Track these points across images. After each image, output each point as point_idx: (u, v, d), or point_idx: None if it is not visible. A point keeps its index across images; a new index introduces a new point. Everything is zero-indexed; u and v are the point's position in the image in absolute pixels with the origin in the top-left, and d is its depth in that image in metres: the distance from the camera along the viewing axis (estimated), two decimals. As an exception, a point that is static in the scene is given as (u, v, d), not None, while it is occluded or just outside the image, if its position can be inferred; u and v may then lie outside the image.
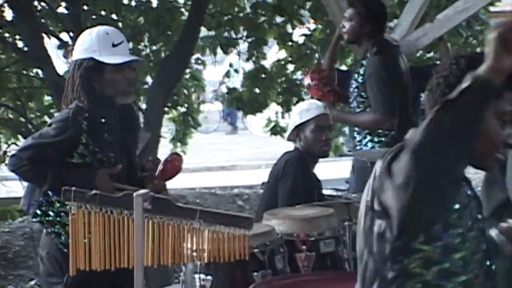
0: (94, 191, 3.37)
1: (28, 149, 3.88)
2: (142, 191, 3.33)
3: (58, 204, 3.94)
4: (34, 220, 4.05)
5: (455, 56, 2.52)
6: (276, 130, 9.87)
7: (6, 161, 8.28)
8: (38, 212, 4.01)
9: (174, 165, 4.17)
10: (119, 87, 3.93)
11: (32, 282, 8.08)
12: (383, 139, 5.36)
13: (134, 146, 4.16)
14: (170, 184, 4.25)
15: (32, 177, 3.97)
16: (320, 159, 5.21)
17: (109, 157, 3.94)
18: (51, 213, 3.98)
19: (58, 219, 3.97)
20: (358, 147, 5.50)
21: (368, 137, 5.43)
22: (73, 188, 3.41)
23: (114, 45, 3.93)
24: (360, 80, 5.36)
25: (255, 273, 3.86)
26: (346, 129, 10.45)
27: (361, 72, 5.35)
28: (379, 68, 5.31)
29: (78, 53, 3.97)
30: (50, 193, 3.96)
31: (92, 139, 3.89)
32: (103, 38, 3.94)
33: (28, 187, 4.20)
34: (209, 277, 3.86)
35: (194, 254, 3.43)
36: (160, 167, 4.11)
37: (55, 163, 3.87)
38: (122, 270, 3.37)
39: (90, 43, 3.93)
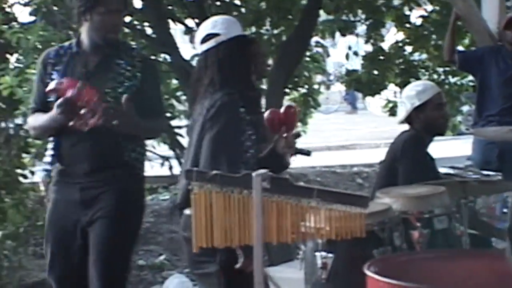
0: (214, 172, 3.44)
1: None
2: (262, 171, 3.37)
3: None
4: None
5: None
6: (394, 110, 9.86)
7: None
8: None
9: (289, 112, 3.97)
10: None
11: (162, 257, 8.32)
12: None
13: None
14: (292, 164, 4.22)
15: None
16: (439, 138, 5.31)
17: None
18: None
19: None
20: None
21: None
22: (195, 168, 3.56)
23: None
24: None
25: (375, 250, 3.92)
26: (464, 108, 10.38)
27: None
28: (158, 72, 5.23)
29: (225, 33, 4.08)
30: None
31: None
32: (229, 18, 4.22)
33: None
34: (330, 255, 3.91)
35: (313, 232, 3.46)
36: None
37: None
38: None
39: (230, 22, 4.14)
